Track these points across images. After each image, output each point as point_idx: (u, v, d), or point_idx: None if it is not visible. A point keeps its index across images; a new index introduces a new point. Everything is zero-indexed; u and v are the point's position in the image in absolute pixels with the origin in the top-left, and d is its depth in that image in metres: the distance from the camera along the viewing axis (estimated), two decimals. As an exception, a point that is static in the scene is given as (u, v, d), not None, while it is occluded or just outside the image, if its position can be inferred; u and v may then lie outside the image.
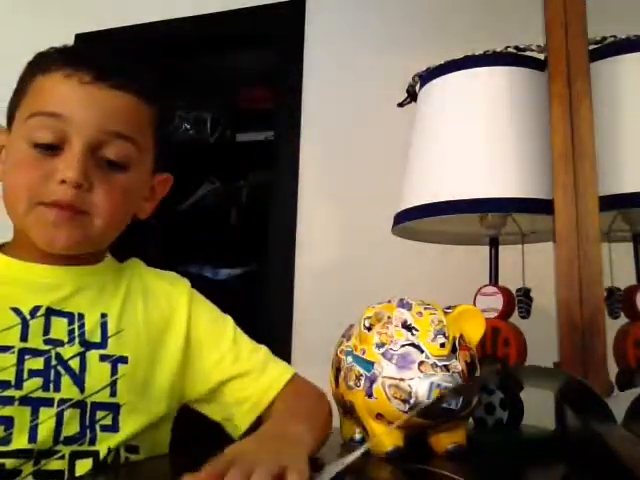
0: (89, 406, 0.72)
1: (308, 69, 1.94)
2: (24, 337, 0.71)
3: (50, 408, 0.70)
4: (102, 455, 0.71)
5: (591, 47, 0.89)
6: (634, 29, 0.91)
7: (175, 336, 0.81)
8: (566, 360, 0.82)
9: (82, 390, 0.72)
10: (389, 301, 0.76)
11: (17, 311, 0.73)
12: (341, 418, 0.81)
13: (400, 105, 1.08)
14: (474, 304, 0.92)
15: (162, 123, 0.82)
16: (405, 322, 0.72)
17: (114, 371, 0.75)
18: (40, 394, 0.70)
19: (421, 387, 0.68)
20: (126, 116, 0.75)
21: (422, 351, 0.70)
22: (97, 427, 0.72)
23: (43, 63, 0.76)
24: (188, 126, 2.58)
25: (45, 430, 0.69)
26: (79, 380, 0.72)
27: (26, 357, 0.71)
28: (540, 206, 0.89)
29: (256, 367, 0.83)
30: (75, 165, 0.71)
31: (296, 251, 1.85)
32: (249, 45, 2.18)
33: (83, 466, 0.70)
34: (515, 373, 0.85)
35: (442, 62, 0.98)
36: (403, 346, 0.70)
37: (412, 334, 0.71)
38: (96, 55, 0.81)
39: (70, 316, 0.75)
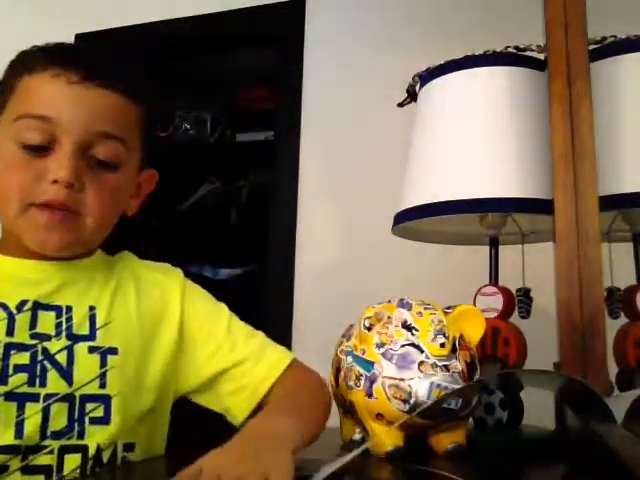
0: (78, 399, 0.72)
1: (308, 69, 1.94)
2: (10, 332, 0.71)
3: (36, 403, 0.70)
4: (91, 450, 0.71)
5: (591, 47, 0.89)
6: (634, 29, 0.91)
7: (169, 326, 0.81)
8: (566, 360, 0.82)
9: (70, 383, 0.72)
10: (389, 301, 0.76)
11: (3, 306, 0.73)
12: (341, 418, 0.81)
13: (400, 105, 1.08)
14: (474, 304, 0.92)
15: (149, 122, 0.82)
16: (405, 322, 0.72)
17: (103, 362, 0.74)
18: (25, 389, 0.70)
19: (421, 387, 0.68)
20: (114, 116, 0.75)
21: (422, 351, 0.70)
22: (86, 420, 0.72)
23: (28, 63, 0.75)
24: (188, 126, 2.58)
25: (31, 425, 0.69)
26: (67, 374, 0.72)
27: (12, 352, 0.71)
28: (540, 206, 0.89)
29: (253, 354, 0.82)
30: (67, 165, 0.71)
31: (296, 251, 1.86)
32: (249, 45, 2.18)
33: (72, 461, 0.70)
34: (515, 379, 0.85)
35: (442, 62, 0.98)
36: (403, 346, 0.70)
37: (412, 334, 0.71)
38: (83, 54, 0.81)
39: (58, 309, 0.75)
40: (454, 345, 0.71)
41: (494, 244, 0.97)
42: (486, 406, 0.86)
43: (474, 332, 0.75)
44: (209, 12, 2.06)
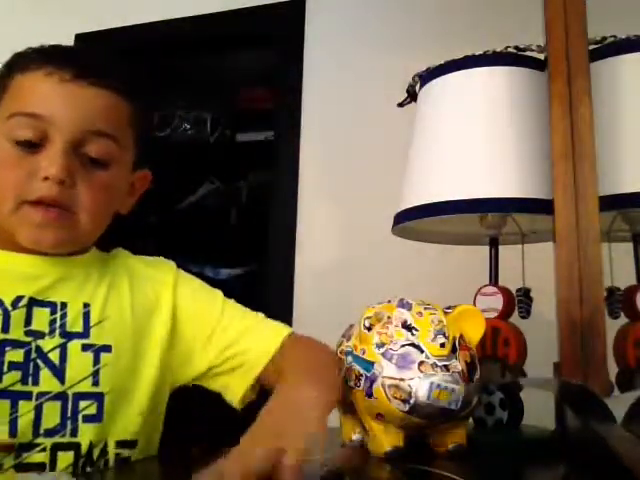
0: (71, 397, 0.72)
1: (308, 69, 1.94)
2: (5, 328, 0.71)
3: (29, 402, 0.70)
4: (84, 447, 0.71)
5: (591, 47, 0.89)
6: (634, 29, 0.91)
7: (161, 318, 0.81)
8: (566, 360, 0.82)
9: (63, 382, 0.72)
10: (389, 301, 0.76)
11: None
12: (341, 418, 0.81)
13: (400, 105, 1.08)
14: (474, 304, 0.92)
15: (142, 121, 0.82)
16: (405, 322, 0.72)
17: (96, 360, 0.74)
18: (19, 387, 0.70)
19: (421, 387, 0.68)
20: (106, 113, 0.75)
21: (422, 351, 0.70)
22: (79, 417, 0.72)
23: (22, 62, 0.76)
24: (188, 126, 2.58)
25: (24, 423, 0.69)
26: (59, 372, 0.72)
27: (6, 349, 0.71)
28: (540, 206, 0.89)
29: (247, 331, 0.82)
30: (57, 161, 0.71)
31: (296, 251, 1.86)
32: (249, 45, 2.18)
33: (65, 459, 0.70)
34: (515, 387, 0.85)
35: (442, 62, 0.98)
36: (403, 346, 0.70)
37: (412, 334, 0.71)
38: (76, 53, 0.81)
39: (53, 305, 0.75)
40: (454, 345, 0.71)
41: (494, 244, 0.97)
42: (486, 406, 0.86)
43: (474, 332, 0.75)
44: (209, 12, 2.06)
